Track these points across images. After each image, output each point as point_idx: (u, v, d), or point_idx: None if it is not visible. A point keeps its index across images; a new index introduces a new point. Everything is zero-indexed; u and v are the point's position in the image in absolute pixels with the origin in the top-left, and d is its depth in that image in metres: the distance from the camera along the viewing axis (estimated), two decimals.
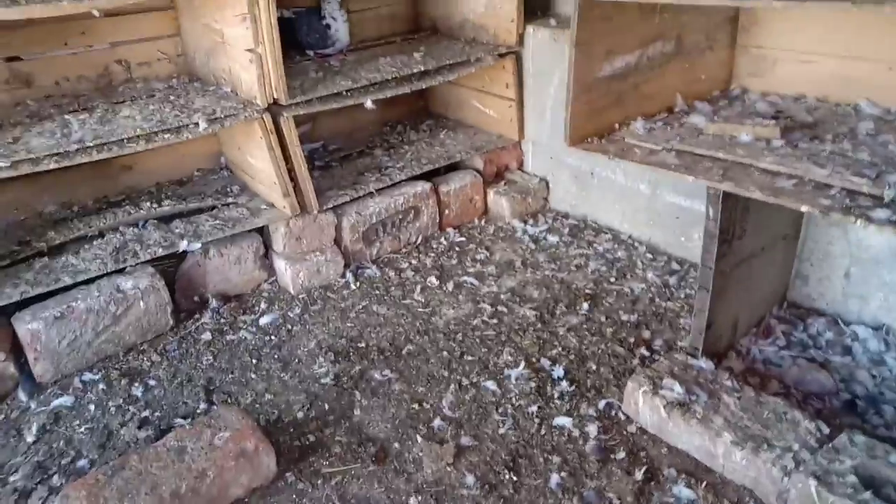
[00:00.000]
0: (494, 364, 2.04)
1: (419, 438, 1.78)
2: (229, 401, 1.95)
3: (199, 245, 2.24)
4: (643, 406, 1.76)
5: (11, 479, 1.70)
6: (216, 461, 1.59)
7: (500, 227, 2.82)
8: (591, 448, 1.73)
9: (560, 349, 2.09)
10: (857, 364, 1.94)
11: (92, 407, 1.93)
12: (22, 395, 1.97)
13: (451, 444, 1.75)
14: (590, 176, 2.73)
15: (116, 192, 2.52)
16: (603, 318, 2.23)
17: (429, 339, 2.17)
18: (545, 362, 2.03)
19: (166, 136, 2.08)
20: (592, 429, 1.78)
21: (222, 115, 2.16)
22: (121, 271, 2.14)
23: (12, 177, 1.90)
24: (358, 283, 2.47)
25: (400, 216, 2.63)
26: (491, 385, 1.95)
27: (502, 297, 2.37)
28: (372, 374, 2.02)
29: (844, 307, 2.09)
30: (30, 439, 1.82)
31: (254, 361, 2.10)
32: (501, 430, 1.80)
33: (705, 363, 1.82)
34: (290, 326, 2.26)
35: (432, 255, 2.64)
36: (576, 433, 1.78)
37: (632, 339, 2.13)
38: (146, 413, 1.91)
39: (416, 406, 1.90)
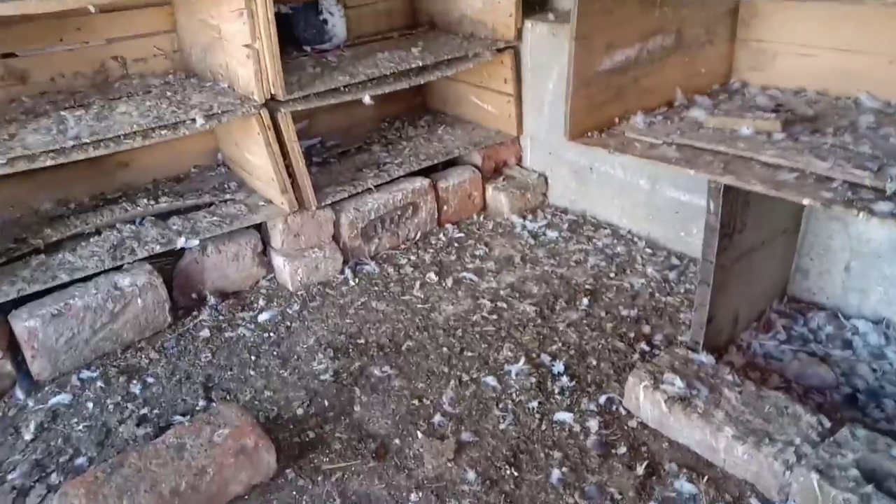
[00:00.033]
0: (494, 360, 2.04)
1: (420, 434, 1.77)
2: (228, 398, 1.94)
3: (196, 242, 2.23)
4: (644, 401, 1.76)
5: (9, 477, 1.69)
6: (216, 458, 1.58)
7: (498, 222, 2.81)
8: (592, 443, 1.73)
9: (560, 344, 2.09)
10: (857, 358, 1.94)
11: (90, 405, 1.92)
12: (19, 394, 1.95)
13: (452, 440, 1.75)
14: (589, 171, 2.73)
15: (113, 190, 2.51)
16: (603, 314, 2.23)
17: (428, 335, 2.17)
18: (545, 358, 2.03)
19: (163, 132, 2.07)
20: (593, 424, 1.78)
21: (219, 111, 2.15)
22: (118, 268, 2.13)
23: (8, 174, 1.89)
24: (357, 280, 2.46)
25: (398, 212, 2.62)
26: (491, 381, 1.95)
27: (502, 292, 2.36)
28: (371, 370, 2.02)
29: (844, 301, 2.09)
30: (28, 437, 1.81)
31: (252, 358, 2.09)
32: (502, 426, 1.80)
33: (706, 358, 1.82)
34: (288, 323, 2.25)
35: (431, 251, 2.63)
36: (577, 428, 1.78)
37: (632, 335, 2.12)
38: (145, 410, 1.90)
39: (416, 402, 1.89)
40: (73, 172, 2.36)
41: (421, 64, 2.51)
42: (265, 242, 2.45)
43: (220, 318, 2.27)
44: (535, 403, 1.86)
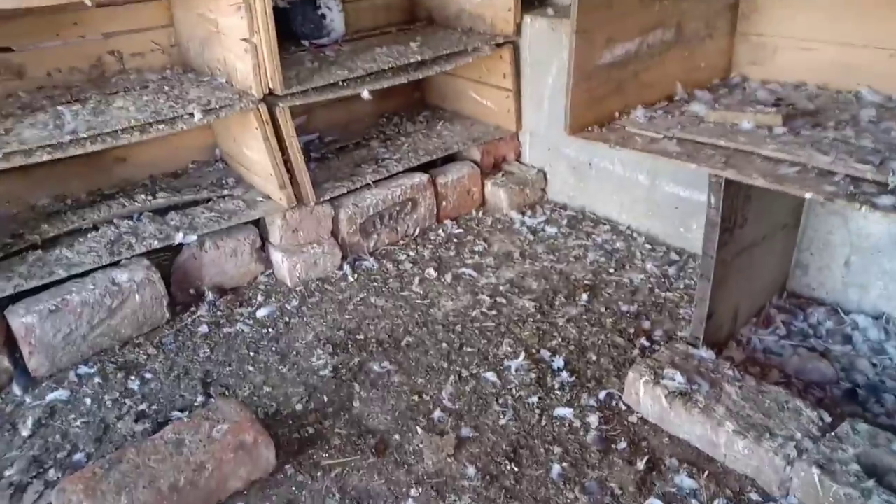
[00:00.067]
0: (494, 355, 2.03)
1: (419, 430, 1.77)
2: (227, 394, 1.93)
3: (194, 237, 2.22)
4: (644, 396, 1.76)
5: (7, 473, 1.68)
6: (215, 454, 1.57)
7: (497, 218, 2.80)
8: (592, 438, 1.73)
9: (560, 340, 2.08)
10: (857, 353, 1.94)
11: (88, 401, 1.91)
12: (16, 389, 1.94)
13: (452, 436, 1.74)
14: (588, 167, 2.72)
15: (110, 185, 2.49)
16: (602, 309, 2.22)
17: (428, 330, 2.16)
18: (545, 353, 2.02)
19: (161, 126, 2.06)
20: (593, 419, 1.78)
21: (217, 106, 2.14)
22: (116, 264, 2.12)
23: (4, 169, 1.88)
24: (355, 276, 2.45)
25: (397, 208, 2.61)
26: (491, 376, 1.94)
27: (501, 288, 2.35)
28: (371, 366, 2.01)
29: (844, 296, 2.08)
30: (25, 433, 1.80)
31: (251, 354, 2.08)
32: (502, 421, 1.79)
33: (706, 353, 1.82)
34: (287, 319, 2.24)
35: (430, 246, 2.63)
36: (577, 424, 1.78)
37: (631, 330, 2.12)
38: (143, 406, 1.89)
39: (415, 398, 1.89)
40: (69, 168, 2.34)
41: (420, 59, 2.50)
42: (263, 238, 2.44)
43: (219, 313, 2.26)
44: (534, 399, 1.85)
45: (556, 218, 2.78)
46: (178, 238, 2.19)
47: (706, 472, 1.61)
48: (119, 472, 1.51)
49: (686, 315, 2.15)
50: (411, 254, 2.58)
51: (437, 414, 1.82)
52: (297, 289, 2.38)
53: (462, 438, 1.74)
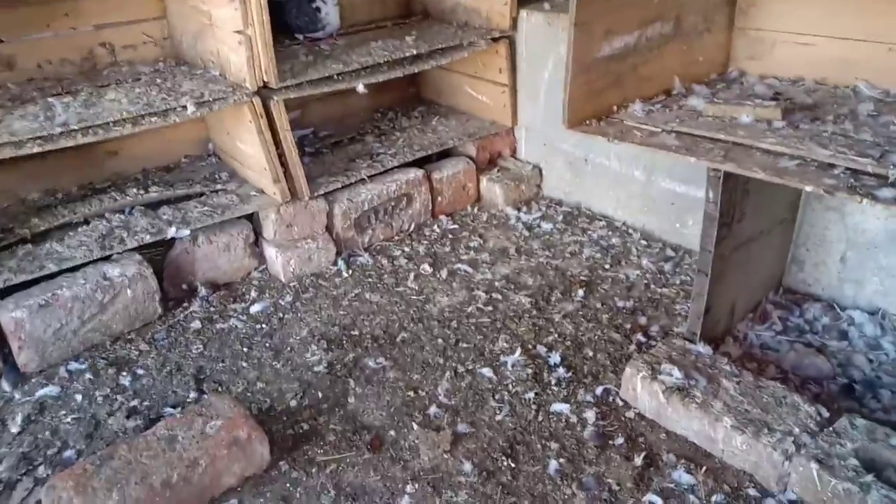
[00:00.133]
0: (490, 351, 2.02)
1: (415, 426, 1.75)
2: (220, 390, 1.91)
3: (187, 232, 2.20)
4: (641, 391, 1.75)
5: None
6: (208, 450, 1.55)
7: (493, 214, 2.79)
8: (589, 434, 1.72)
9: (556, 336, 2.07)
10: (853, 349, 1.93)
11: (78, 397, 1.88)
12: (5, 386, 1.91)
13: (448, 432, 1.73)
14: (584, 162, 2.71)
15: (102, 179, 2.46)
16: (598, 305, 2.21)
17: (423, 326, 2.14)
18: (541, 349, 2.01)
19: (153, 119, 2.03)
20: (590, 415, 1.76)
21: (211, 99, 2.11)
22: (107, 258, 2.09)
23: None
24: (350, 271, 2.43)
25: (392, 203, 2.59)
26: (487, 372, 1.93)
27: (497, 284, 2.34)
28: (366, 361, 1.99)
29: (840, 292, 2.08)
30: (14, 430, 1.77)
31: (245, 350, 2.06)
32: (498, 417, 1.78)
33: (703, 348, 1.81)
34: (281, 314, 2.22)
35: (425, 242, 2.61)
36: (573, 419, 1.76)
37: (628, 326, 2.11)
38: (135, 402, 1.86)
39: (411, 393, 1.87)
40: (60, 161, 2.32)
41: (415, 52, 2.49)
42: (257, 233, 2.41)
43: (212, 309, 2.24)
44: (531, 394, 1.84)
45: (551, 214, 2.77)
46: (171, 232, 2.16)
47: (704, 468, 1.60)
48: (110, 469, 1.49)
49: (682, 311, 2.14)
50: (406, 249, 2.56)
51: (432, 410, 1.81)
52: (291, 284, 2.36)
53: (458, 434, 1.73)
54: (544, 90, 2.71)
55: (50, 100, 2.08)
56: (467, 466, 1.63)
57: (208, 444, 1.56)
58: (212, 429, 1.58)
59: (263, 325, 2.17)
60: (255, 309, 2.23)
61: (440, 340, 2.07)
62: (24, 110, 2.02)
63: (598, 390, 1.85)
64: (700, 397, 1.65)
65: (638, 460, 1.62)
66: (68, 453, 1.70)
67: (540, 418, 1.77)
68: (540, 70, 2.69)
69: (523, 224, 2.70)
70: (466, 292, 2.30)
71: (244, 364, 2.00)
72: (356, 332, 2.12)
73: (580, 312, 2.18)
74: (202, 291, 2.28)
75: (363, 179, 2.51)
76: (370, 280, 2.38)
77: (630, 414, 1.77)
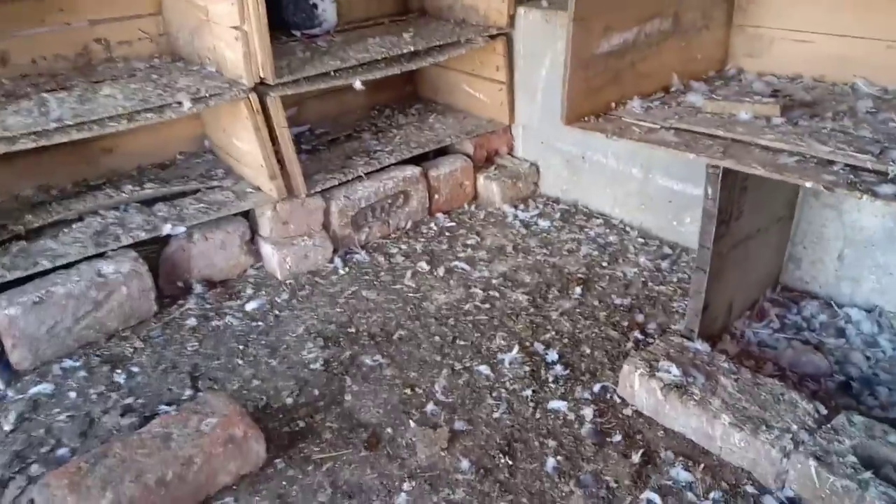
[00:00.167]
0: (487, 348, 2.01)
1: (412, 423, 1.74)
2: (215, 387, 1.89)
3: (183, 229, 2.18)
4: (639, 388, 1.74)
5: None
6: (203, 448, 1.53)
7: (490, 212, 2.78)
8: (586, 431, 1.71)
9: (553, 333, 2.07)
10: (850, 346, 1.93)
11: (72, 394, 1.87)
12: None
13: (445, 429, 1.72)
14: (581, 160, 2.70)
15: (97, 176, 2.44)
16: (596, 303, 2.21)
17: (420, 324, 2.13)
18: (539, 346, 2.01)
19: (148, 115, 2.02)
20: (588, 412, 1.76)
21: (207, 95, 2.10)
22: (102, 255, 2.07)
23: None
24: (347, 269, 2.42)
25: (389, 201, 2.58)
26: (484, 369, 1.92)
27: (494, 281, 2.33)
28: (363, 359, 1.98)
29: (837, 290, 2.08)
30: (7, 428, 1.75)
31: (240, 347, 2.05)
32: (496, 415, 1.77)
33: (701, 345, 1.81)
34: (277, 312, 2.20)
35: (422, 240, 2.60)
36: (571, 417, 1.76)
37: (625, 323, 2.10)
38: (129, 400, 1.85)
39: (408, 391, 1.86)
40: (55, 158, 2.30)
41: (413, 49, 2.48)
42: (253, 230, 2.40)
43: (207, 306, 2.22)
44: (528, 392, 1.83)
45: (548, 212, 2.76)
46: (166, 229, 2.15)
47: (702, 465, 1.60)
48: (105, 467, 1.48)
49: (679, 308, 2.14)
50: (403, 247, 2.55)
51: (430, 407, 1.80)
52: (287, 282, 2.34)
53: (455, 432, 1.72)
54: (542, 88, 2.71)
55: (44, 95, 2.06)
56: (465, 464, 1.62)
57: (203, 441, 1.54)
58: (207, 426, 1.57)
59: (259, 323, 2.15)
60: (251, 306, 2.22)
61: (437, 338, 2.06)
62: (17, 106, 2.00)
63: (596, 388, 1.84)
64: (698, 394, 1.65)
65: (636, 458, 1.62)
66: (62, 451, 1.69)
67: (537, 416, 1.77)
68: (537, 68, 2.69)
69: (520, 222, 2.69)
70: (464, 290, 2.29)
71: (240, 361, 1.99)
72: (353, 330, 2.11)
73: (577, 310, 2.17)
74: (198, 289, 2.26)
75: (360, 177, 2.50)
76: (367, 278, 2.37)
77: (628, 411, 1.77)
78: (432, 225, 2.69)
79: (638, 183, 2.54)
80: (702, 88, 1.88)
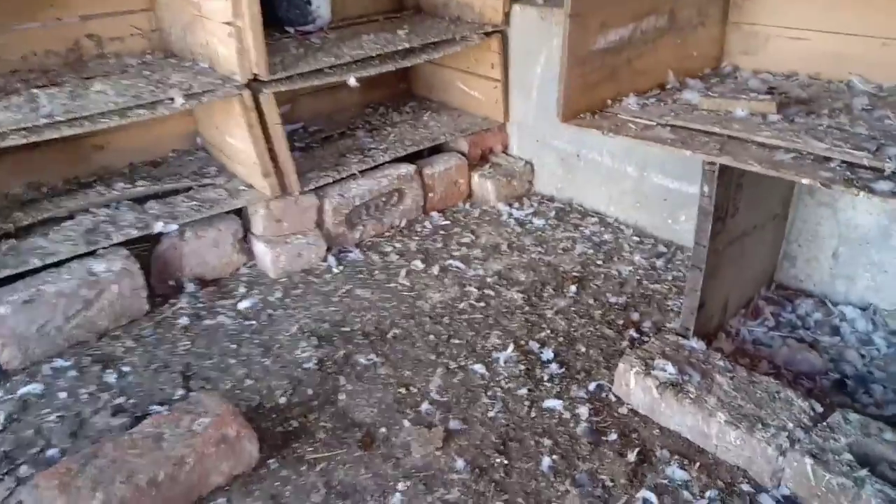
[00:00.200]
0: (482, 347, 2.00)
1: (407, 423, 1.73)
2: (208, 387, 1.87)
3: (175, 227, 2.16)
4: (635, 387, 1.73)
5: None
6: (195, 448, 1.52)
7: (485, 210, 2.77)
8: (582, 430, 1.70)
9: (548, 332, 2.06)
10: (845, 344, 1.93)
11: (63, 395, 1.84)
12: None
13: (440, 429, 1.70)
14: (576, 158, 2.70)
15: (88, 173, 2.42)
16: (591, 301, 2.20)
17: (415, 322, 2.12)
18: (534, 345, 2.00)
19: (140, 111, 1.99)
20: (583, 411, 1.75)
21: (200, 91, 2.08)
22: (93, 254, 2.05)
23: None
24: (341, 267, 2.40)
25: (383, 199, 2.57)
26: (479, 368, 1.91)
27: (489, 280, 2.32)
28: (357, 358, 1.97)
29: (831, 288, 2.08)
30: None
31: (233, 346, 2.03)
32: (491, 414, 1.76)
33: (697, 343, 1.80)
34: (270, 311, 2.19)
35: (417, 238, 2.59)
36: (567, 415, 1.75)
37: (620, 322, 2.10)
38: (120, 400, 1.83)
39: (402, 390, 1.85)
40: (45, 155, 2.27)
41: (407, 46, 2.46)
42: (246, 228, 2.38)
43: (200, 305, 2.20)
44: (524, 391, 1.83)
45: (543, 210, 2.75)
46: (158, 227, 2.13)
47: (698, 464, 1.59)
48: (95, 468, 1.46)
49: (674, 307, 2.14)
50: (398, 245, 2.54)
51: (424, 406, 1.78)
52: (281, 280, 2.32)
53: (450, 431, 1.71)
54: (537, 86, 2.70)
55: (34, 91, 2.04)
56: (460, 463, 1.61)
57: (196, 441, 1.52)
58: (199, 426, 1.55)
59: (252, 322, 2.13)
60: (243, 305, 2.20)
61: (432, 337, 2.05)
62: (7, 101, 1.97)
63: (591, 386, 1.84)
64: (694, 393, 1.64)
65: (631, 456, 1.61)
66: (52, 452, 1.66)
67: (533, 414, 1.76)
68: (532, 65, 2.68)
69: (515, 220, 2.69)
70: (458, 288, 2.28)
71: (233, 361, 1.97)
72: (347, 329, 2.10)
73: (572, 308, 2.17)
74: (190, 287, 2.24)
75: (354, 175, 2.49)
76: (361, 276, 2.36)
77: (623, 410, 1.76)
78: (427, 223, 2.68)
79: (633, 181, 2.53)
80: (698, 86, 1.88)
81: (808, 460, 1.44)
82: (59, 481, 1.42)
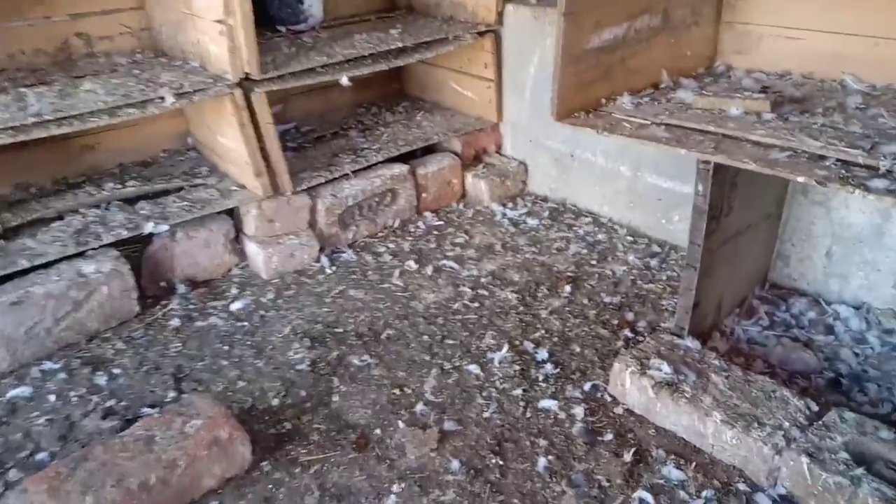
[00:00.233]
0: (477, 347, 1.99)
1: (401, 424, 1.72)
2: (200, 389, 1.85)
3: (165, 227, 2.14)
4: (630, 387, 1.73)
5: None
6: (187, 450, 1.50)
7: (478, 210, 2.76)
8: (577, 430, 1.69)
9: (543, 332, 2.05)
10: (839, 343, 1.94)
11: (52, 397, 1.82)
12: None
13: (435, 430, 1.69)
14: (569, 158, 2.69)
15: (77, 174, 2.39)
16: (585, 301, 2.19)
17: (409, 323, 2.11)
18: (528, 345, 1.99)
19: (130, 110, 1.97)
20: (579, 411, 1.74)
21: (191, 90, 2.06)
22: (82, 255, 2.03)
23: None
24: (334, 268, 2.39)
25: (377, 199, 2.55)
26: (474, 369, 1.90)
27: (483, 280, 2.31)
28: (350, 359, 1.95)
29: (825, 287, 2.09)
30: None
31: (225, 348, 2.01)
32: (486, 414, 1.75)
33: (692, 343, 1.80)
34: (262, 312, 2.17)
35: (410, 238, 2.57)
36: (562, 416, 1.74)
37: (615, 321, 2.09)
38: (111, 402, 1.80)
39: (397, 391, 1.83)
40: (34, 155, 2.25)
41: (400, 45, 2.45)
42: (238, 229, 2.36)
43: (191, 306, 2.18)
44: (519, 391, 1.82)
45: (537, 210, 2.75)
46: (149, 228, 2.11)
47: (694, 463, 1.59)
48: (85, 471, 1.43)
49: (669, 306, 2.13)
50: (391, 246, 2.52)
51: (419, 407, 1.77)
52: (273, 281, 2.31)
53: (445, 432, 1.69)
54: (530, 85, 2.69)
55: (22, 90, 2.01)
56: (455, 465, 1.60)
57: (188, 444, 1.50)
58: (191, 429, 1.53)
59: (244, 323, 2.12)
60: (235, 306, 2.18)
61: (426, 337, 2.04)
62: None
63: (587, 386, 1.83)
64: (689, 392, 1.64)
65: (627, 456, 1.60)
66: (41, 456, 1.64)
67: (528, 415, 1.75)
68: (526, 65, 2.67)
69: (509, 220, 2.68)
70: (452, 289, 2.27)
71: (225, 362, 1.95)
72: (340, 330, 2.08)
73: (567, 308, 2.16)
74: (181, 288, 2.22)
75: (347, 174, 2.47)
76: (354, 277, 2.34)
77: (619, 410, 1.75)
78: (420, 223, 2.66)
79: (626, 181, 2.53)
80: (691, 85, 1.87)
81: (805, 459, 1.43)
82: (49, 485, 1.40)
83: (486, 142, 2.90)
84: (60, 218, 2.13)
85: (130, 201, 2.23)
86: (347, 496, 1.53)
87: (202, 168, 2.47)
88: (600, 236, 2.55)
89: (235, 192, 2.30)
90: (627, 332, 2.04)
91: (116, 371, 1.91)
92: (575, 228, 2.61)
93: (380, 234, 2.59)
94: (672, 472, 1.57)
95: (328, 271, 2.37)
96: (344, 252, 2.46)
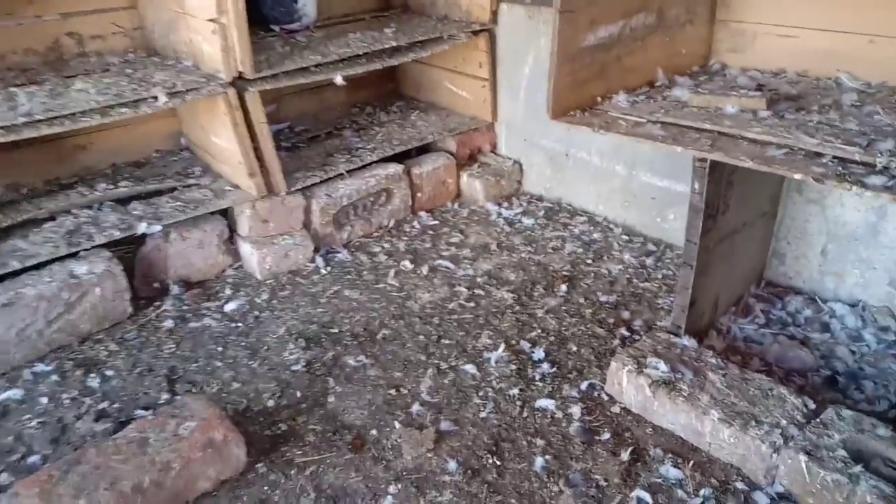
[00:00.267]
0: (473, 347, 1.98)
1: (397, 425, 1.71)
2: (194, 390, 1.84)
3: (159, 228, 2.12)
4: (627, 385, 1.72)
5: None
6: (181, 453, 1.48)
7: (473, 210, 2.76)
8: (575, 430, 1.69)
9: (539, 331, 2.04)
10: (835, 340, 1.94)
11: (44, 400, 1.80)
12: None
13: (431, 430, 1.68)
14: (564, 157, 2.69)
15: (69, 174, 2.37)
16: (581, 300, 2.19)
17: (404, 323, 2.10)
18: (525, 345, 1.98)
19: (123, 110, 1.96)
20: (576, 410, 1.74)
21: (184, 89, 2.04)
22: (74, 256, 2.01)
23: None
24: (328, 268, 2.37)
25: (371, 199, 2.54)
26: (470, 368, 1.89)
27: (479, 280, 2.30)
28: (346, 360, 1.94)
29: (821, 285, 2.09)
30: None
31: (219, 349, 1.99)
32: (483, 414, 1.74)
33: (689, 341, 1.79)
34: (257, 313, 2.15)
35: (405, 238, 2.56)
36: (559, 415, 1.73)
37: (611, 320, 2.09)
38: (104, 405, 1.78)
39: (393, 392, 1.82)
40: (25, 155, 2.23)
41: (395, 44, 2.44)
42: (232, 229, 2.34)
43: (185, 307, 2.16)
44: (515, 391, 1.81)
45: (532, 209, 2.74)
46: (142, 228, 2.09)
47: (691, 462, 1.58)
48: (77, 474, 1.42)
49: (665, 305, 2.13)
50: (386, 246, 2.51)
51: (415, 408, 1.76)
52: (267, 282, 2.29)
53: (442, 432, 1.68)
54: (525, 85, 2.69)
55: (13, 90, 1.99)
56: (452, 465, 1.59)
57: (182, 446, 1.49)
58: (185, 430, 1.52)
59: (239, 324, 2.10)
60: (229, 307, 2.16)
61: (422, 337, 2.03)
62: None
63: (584, 385, 1.82)
64: (686, 391, 1.63)
65: (625, 455, 1.60)
66: (33, 459, 1.62)
67: (525, 414, 1.74)
68: (520, 65, 2.67)
69: (504, 220, 2.67)
70: (448, 288, 2.26)
71: (219, 364, 1.94)
72: (335, 330, 2.07)
73: (563, 307, 2.15)
74: (175, 289, 2.21)
75: (342, 174, 2.46)
76: (349, 277, 2.33)
77: (616, 409, 1.75)
78: (415, 223, 2.65)
79: (622, 180, 2.53)
80: (686, 83, 1.87)
81: (803, 457, 1.43)
82: (41, 489, 1.38)
83: (481, 141, 2.90)
84: (52, 219, 2.11)
85: (123, 202, 2.21)
86: (343, 497, 1.52)
87: (195, 168, 2.45)
88: (596, 235, 2.55)
89: (229, 193, 2.29)
90: (624, 331, 2.03)
91: (109, 373, 1.89)
92: (570, 228, 2.60)
93: (375, 234, 2.58)
94: (670, 471, 1.56)
95: (323, 271, 2.36)
96: (339, 252, 2.45)
